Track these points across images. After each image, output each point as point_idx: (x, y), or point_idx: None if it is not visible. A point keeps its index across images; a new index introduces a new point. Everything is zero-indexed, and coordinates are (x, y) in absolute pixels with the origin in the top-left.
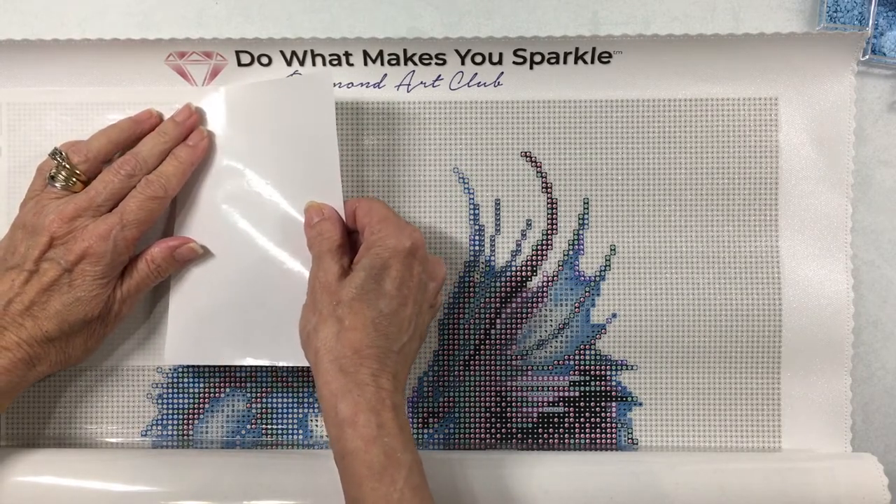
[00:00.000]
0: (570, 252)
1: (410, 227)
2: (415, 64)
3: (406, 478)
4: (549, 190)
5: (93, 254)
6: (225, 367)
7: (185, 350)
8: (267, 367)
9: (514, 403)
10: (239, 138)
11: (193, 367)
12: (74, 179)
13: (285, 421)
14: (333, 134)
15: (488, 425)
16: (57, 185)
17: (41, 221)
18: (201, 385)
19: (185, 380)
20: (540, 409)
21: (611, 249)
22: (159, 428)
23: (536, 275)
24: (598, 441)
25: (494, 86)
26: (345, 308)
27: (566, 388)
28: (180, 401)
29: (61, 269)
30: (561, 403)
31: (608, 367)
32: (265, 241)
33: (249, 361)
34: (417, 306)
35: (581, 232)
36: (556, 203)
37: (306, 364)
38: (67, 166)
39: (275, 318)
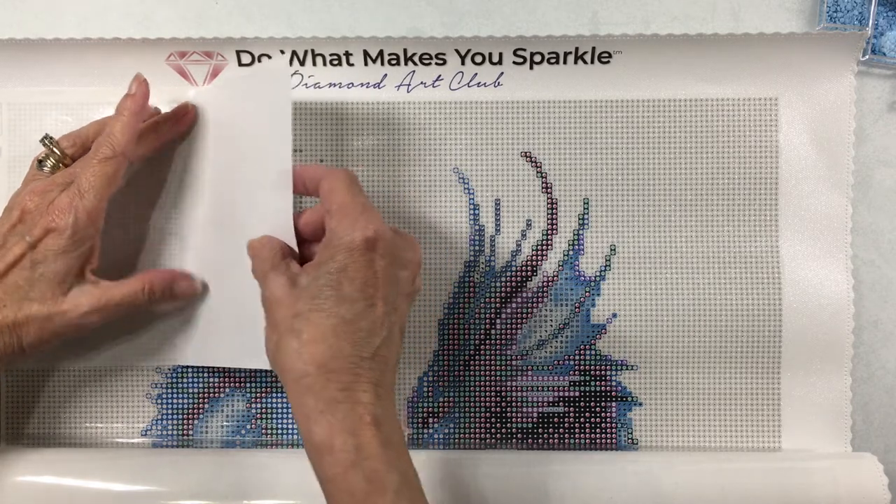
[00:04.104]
0: (570, 252)
1: (366, 217)
2: (415, 64)
3: (393, 501)
4: (549, 190)
5: (55, 228)
6: (227, 367)
7: (196, 351)
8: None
9: (514, 403)
10: (207, 137)
11: (193, 366)
12: (62, 165)
13: (285, 421)
14: (288, 128)
15: (488, 425)
16: (45, 169)
17: (16, 199)
18: (201, 385)
19: (185, 380)
20: (540, 409)
21: (611, 249)
22: (159, 428)
23: (536, 275)
24: (598, 441)
25: (494, 86)
26: (302, 321)
27: (566, 388)
28: (180, 401)
29: (26, 244)
30: (561, 403)
31: (608, 367)
32: (240, 241)
33: (255, 364)
34: (389, 304)
35: (581, 232)
36: (556, 203)
37: None
38: (56, 151)
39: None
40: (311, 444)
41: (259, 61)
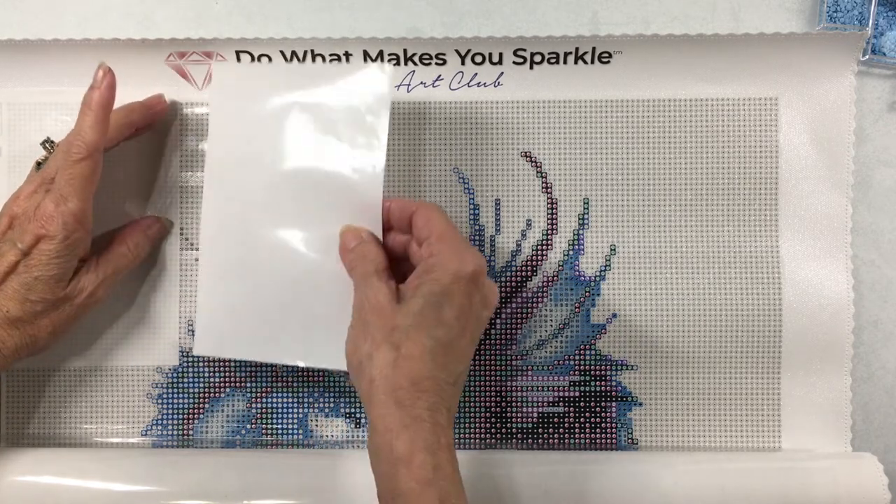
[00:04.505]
0: (570, 252)
1: (472, 250)
2: (415, 64)
3: None
4: (549, 190)
5: (45, 235)
6: (225, 366)
7: (214, 342)
8: (301, 367)
9: (514, 403)
10: (281, 125)
11: (193, 366)
12: None
13: (285, 421)
14: (384, 138)
15: (488, 425)
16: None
17: (6, 205)
18: (201, 385)
19: (185, 380)
20: (540, 409)
21: (611, 249)
22: (159, 428)
23: (536, 275)
24: (598, 441)
25: (494, 86)
26: (401, 335)
27: (566, 388)
28: (180, 401)
29: (19, 251)
30: (561, 403)
31: (608, 367)
32: (300, 233)
33: (280, 359)
34: (472, 336)
35: (581, 232)
36: (556, 203)
37: (339, 368)
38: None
39: (307, 315)
40: (389, 455)
41: (258, 61)
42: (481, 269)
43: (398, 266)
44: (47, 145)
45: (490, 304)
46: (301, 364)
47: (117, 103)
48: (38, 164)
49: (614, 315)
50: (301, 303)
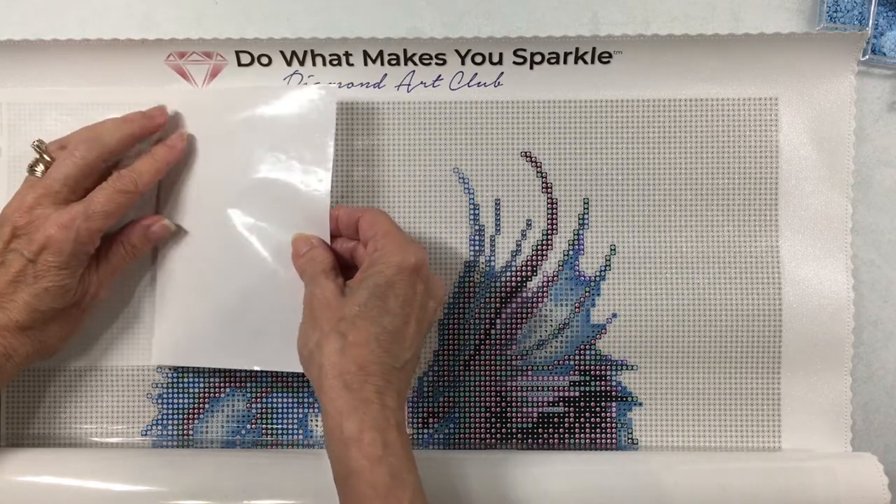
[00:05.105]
0: (570, 252)
1: (415, 244)
2: (415, 64)
3: (411, 499)
4: (549, 190)
5: (53, 244)
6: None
7: (171, 351)
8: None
9: (514, 403)
10: (232, 142)
11: (193, 367)
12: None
13: (285, 421)
14: (330, 153)
15: (488, 425)
16: (36, 172)
17: (5, 212)
18: (201, 385)
19: (185, 380)
20: (540, 409)
21: (611, 249)
22: (159, 428)
23: (536, 275)
24: (598, 441)
25: (494, 86)
26: (348, 324)
27: (566, 388)
28: (180, 401)
29: (25, 259)
30: (561, 403)
31: (608, 367)
32: (252, 244)
33: (235, 364)
34: (418, 324)
35: (581, 232)
36: (556, 203)
37: (292, 369)
38: (46, 158)
39: (260, 321)
40: (340, 437)
41: (259, 61)
42: (423, 261)
43: (346, 271)
44: (37, 148)
45: (436, 295)
46: (257, 368)
47: (116, 102)
48: (32, 169)
49: (614, 315)
50: (255, 310)
